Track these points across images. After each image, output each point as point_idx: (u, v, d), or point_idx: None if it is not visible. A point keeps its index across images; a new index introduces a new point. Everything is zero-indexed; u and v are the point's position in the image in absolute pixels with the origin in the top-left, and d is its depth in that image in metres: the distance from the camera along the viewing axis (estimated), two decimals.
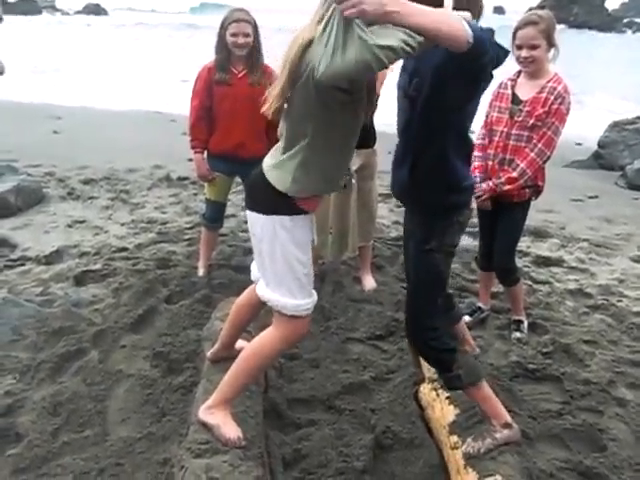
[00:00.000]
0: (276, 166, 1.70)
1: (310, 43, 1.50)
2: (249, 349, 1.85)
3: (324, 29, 1.43)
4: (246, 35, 2.92)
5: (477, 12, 1.71)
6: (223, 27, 2.94)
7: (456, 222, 1.88)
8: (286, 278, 1.74)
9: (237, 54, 2.96)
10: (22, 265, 3.50)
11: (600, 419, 2.30)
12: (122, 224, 4.24)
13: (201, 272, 3.32)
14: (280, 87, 1.61)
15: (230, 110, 3.00)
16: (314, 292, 1.83)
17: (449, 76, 1.60)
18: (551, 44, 2.50)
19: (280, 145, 1.74)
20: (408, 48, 1.38)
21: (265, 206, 1.72)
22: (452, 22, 1.40)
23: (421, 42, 1.40)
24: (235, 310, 2.11)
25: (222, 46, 2.96)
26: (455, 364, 1.89)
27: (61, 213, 4.42)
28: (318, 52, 1.45)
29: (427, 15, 1.36)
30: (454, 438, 1.97)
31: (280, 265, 1.73)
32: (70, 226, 4.16)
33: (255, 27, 2.96)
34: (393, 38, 1.36)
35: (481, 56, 1.49)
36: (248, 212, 1.80)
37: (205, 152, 3.15)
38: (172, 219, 4.35)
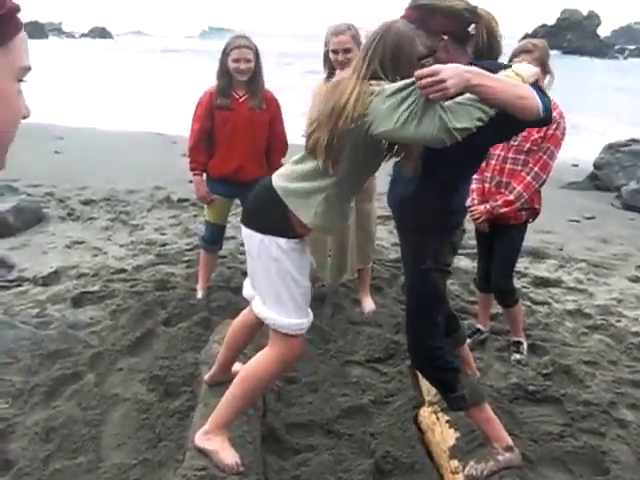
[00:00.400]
0: (298, 194, 1.70)
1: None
2: (244, 372, 1.84)
3: (393, 93, 1.49)
4: (248, 61, 2.96)
5: (496, 55, 1.78)
6: (225, 53, 2.98)
7: (449, 243, 1.90)
8: (282, 297, 1.75)
9: (239, 79, 3.00)
10: (19, 286, 3.48)
11: (602, 441, 2.28)
12: (121, 245, 4.24)
13: (200, 294, 3.31)
14: (331, 142, 1.60)
15: (231, 134, 3.03)
16: (310, 312, 1.84)
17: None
18: (546, 71, 2.55)
19: (299, 170, 1.72)
20: (480, 123, 1.50)
21: (265, 225, 1.74)
22: (527, 95, 1.50)
23: (492, 115, 1.51)
24: (231, 331, 2.11)
25: (224, 72, 3.00)
26: (459, 384, 1.88)
27: (60, 234, 4.42)
28: (378, 109, 1.50)
29: (506, 89, 1.47)
30: (454, 462, 1.95)
31: (276, 284, 1.74)
32: (69, 247, 4.16)
33: (256, 53, 3.01)
34: (469, 118, 1.47)
35: (544, 125, 1.63)
36: (244, 229, 1.81)
37: (205, 174, 3.18)
38: (172, 241, 4.35)
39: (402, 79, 1.52)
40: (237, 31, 3.33)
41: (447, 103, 1.48)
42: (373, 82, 1.55)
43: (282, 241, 1.72)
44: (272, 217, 1.73)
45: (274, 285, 1.75)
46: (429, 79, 1.41)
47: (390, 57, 1.56)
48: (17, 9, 0.73)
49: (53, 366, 2.57)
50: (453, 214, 1.89)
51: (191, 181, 3.27)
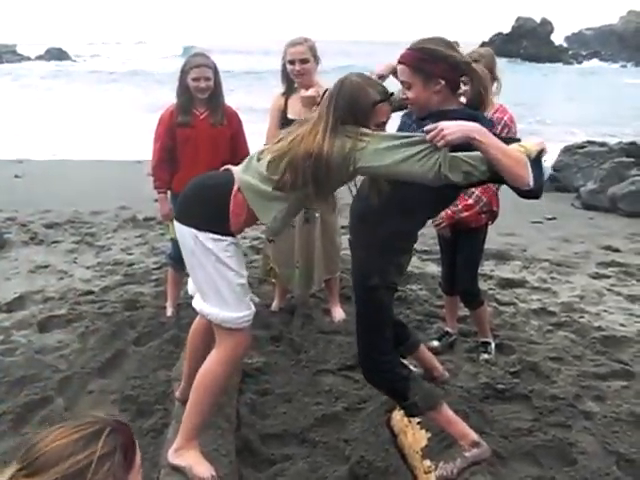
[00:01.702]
0: (263, 195, 1.75)
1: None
2: (199, 378, 1.84)
3: (392, 138, 1.69)
4: (207, 79, 2.99)
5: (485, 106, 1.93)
6: (184, 72, 3.00)
7: (395, 264, 1.95)
8: (222, 291, 1.78)
9: (199, 97, 3.02)
10: None
11: (569, 433, 2.35)
12: (87, 267, 4.18)
13: (169, 312, 3.29)
14: (302, 182, 1.71)
15: (193, 151, 3.04)
16: (252, 304, 1.87)
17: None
18: (493, 78, 2.66)
19: (268, 172, 1.74)
20: (472, 178, 1.68)
21: (200, 221, 1.76)
22: (520, 164, 1.65)
23: (482, 176, 1.68)
24: (190, 340, 2.12)
25: (184, 89, 3.02)
26: (410, 392, 1.93)
27: (23, 259, 4.33)
28: (371, 149, 1.67)
29: (501, 150, 1.64)
30: (427, 462, 1.99)
31: (214, 279, 1.77)
32: (33, 271, 4.08)
33: (215, 70, 3.04)
34: (457, 170, 1.65)
35: (533, 197, 1.75)
36: (178, 225, 1.82)
37: (169, 192, 3.18)
38: (139, 260, 4.32)
39: (364, 123, 1.72)
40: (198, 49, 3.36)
41: (449, 155, 1.65)
42: (348, 127, 1.70)
43: (217, 237, 1.75)
44: (210, 212, 1.76)
45: (213, 280, 1.77)
46: (433, 132, 1.62)
47: (348, 108, 1.73)
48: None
49: (21, 392, 2.52)
50: (404, 239, 1.95)
51: (157, 200, 3.26)
